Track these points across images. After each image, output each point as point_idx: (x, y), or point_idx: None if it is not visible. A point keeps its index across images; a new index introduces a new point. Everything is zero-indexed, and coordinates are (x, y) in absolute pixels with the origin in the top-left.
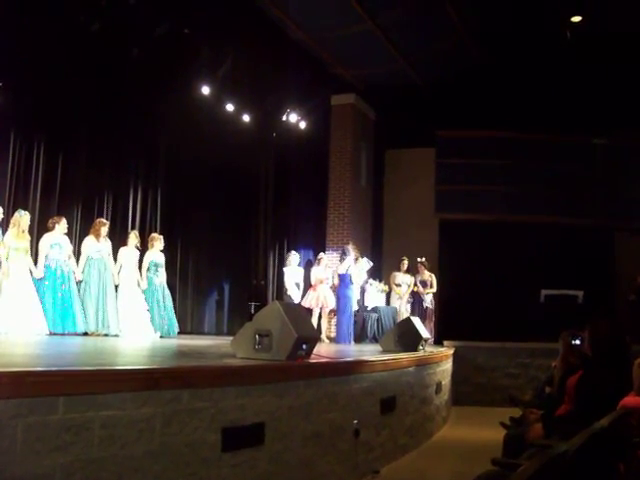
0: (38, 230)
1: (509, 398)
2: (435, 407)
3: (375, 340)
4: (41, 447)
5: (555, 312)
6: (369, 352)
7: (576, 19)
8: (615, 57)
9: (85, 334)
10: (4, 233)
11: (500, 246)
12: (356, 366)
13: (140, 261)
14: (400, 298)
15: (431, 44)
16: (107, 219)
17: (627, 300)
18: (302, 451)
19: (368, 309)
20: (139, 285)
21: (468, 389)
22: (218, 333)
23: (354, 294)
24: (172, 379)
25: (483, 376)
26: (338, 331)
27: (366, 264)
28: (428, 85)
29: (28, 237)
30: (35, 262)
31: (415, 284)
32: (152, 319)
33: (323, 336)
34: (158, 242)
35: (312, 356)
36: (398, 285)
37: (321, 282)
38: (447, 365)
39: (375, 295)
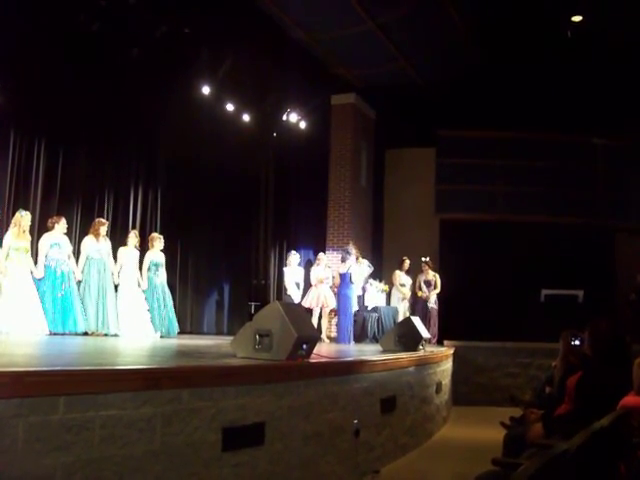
0: (38, 230)
1: (509, 398)
2: (435, 407)
3: (375, 340)
4: (42, 447)
5: (555, 312)
6: (369, 352)
7: (576, 19)
8: (615, 57)
9: (85, 334)
10: (4, 233)
11: (500, 246)
12: (356, 366)
13: (140, 261)
14: (404, 298)
15: (431, 44)
16: (107, 219)
17: (627, 300)
18: (302, 451)
19: (368, 309)
20: (139, 285)
21: (468, 389)
22: (218, 333)
23: (355, 294)
24: (172, 379)
25: (483, 376)
26: (338, 331)
27: (367, 268)
28: (428, 85)
29: (28, 237)
30: (35, 262)
31: (419, 287)
32: (152, 319)
33: (323, 336)
34: (158, 242)
35: (312, 356)
36: (402, 285)
37: (321, 282)
38: (447, 365)
39: (375, 295)
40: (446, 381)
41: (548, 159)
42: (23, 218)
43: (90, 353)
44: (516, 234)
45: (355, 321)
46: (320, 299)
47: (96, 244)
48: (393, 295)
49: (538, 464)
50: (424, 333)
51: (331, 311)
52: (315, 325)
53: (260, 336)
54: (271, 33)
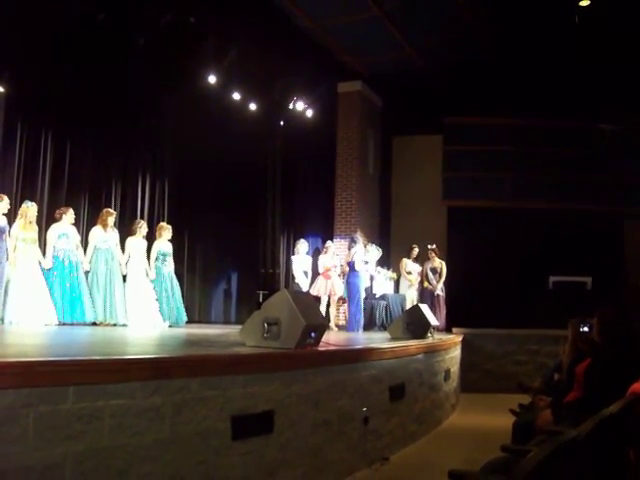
0: (46, 221)
1: (518, 385)
2: (444, 394)
3: (383, 328)
4: (52, 436)
5: (563, 299)
6: (378, 340)
7: (584, 3)
8: (623, 42)
9: (94, 324)
10: (12, 224)
11: (508, 233)
12: (365, 354)
13: (148, 251)
14: (412, 285)
15: (437, 31)
16: (115, 209)
17: (636, 286)
18: (311, 439)
19: (376, 297)
20: (147, 275)
21: (477, 376)
22: (226, 322)
23: (363, 282)
24: (181, 368)
25: (492, 363)
26: (347, 319)
27: (376, 252)
28: (435, 72)
29: (36, 228)
30: (43, 253)
31: (426, 276)
32: (160, 309)
33: (332, 324)
34: (166, 232)
35: (321, 344)
36: (409, 273)
37: (329, 270)
38: (456, 352)
39: (383, 283)
40: (454, 368)
41: (555, 145)
42: (29, 209)
43: (99, 343)
44: (524, 221)
45: (363, 309)
46: (328, 287)
47: (104, 234)
48: (402, 283)
49: (547, 451)
50: (432, 320)
51: (339, 299)
52: (323, 313)
53: (268, 325)
54: (277, 21)
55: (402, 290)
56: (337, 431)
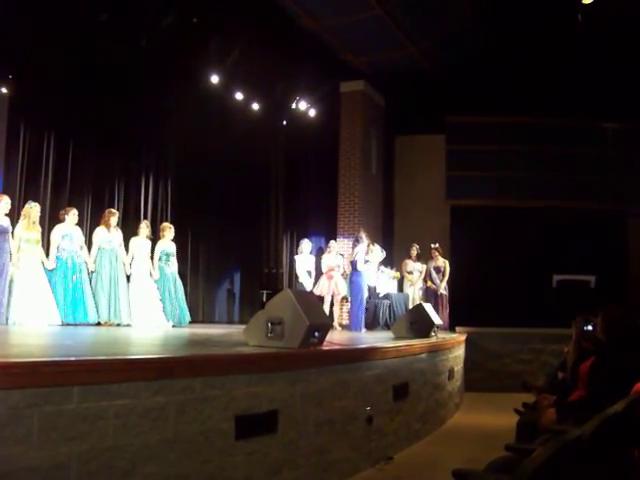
0: (49, 221)
1: (522, 384)
2: (448, 393)
3: (387, 327)
4: (57, 436)
5: (567, 297)
6: (381, 339)
7: (587, 1)
8: (626, 40)
9: (98, 324)
10: (15, 225)
11: (512, 231)
12: (368, 353)
13: (151, 251)
14: (412, 285)
15: (440, 30)
16: (118, 209)
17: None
18: (315, 438)
19: (380, 296)
20: (151, 275)
21: (481, 375)
22: (230, 322)
23: (365, 281)
24: (185, 368)
25: (496, 362)
26: (350, 318)
27: (379, 253)
28: (438, 71)
29: (39, 228)
30: (47, 253)
31: (429, 275)
32: (164, 309)
33: (335, 323)
34: (169, 231)
35: (324, 343)
36: (410, 273)
37: (332, 270)
38: (459, 351)
39: (387, 282)
40: (458, 367)
41: (559, 144)
42: (32, 209)
43: (103, 343)
44: (527, 219)
45: (367, 308)
46: (331, 287)
47: (107, 234)
48: (405, 282)
49: (551, 450)
50: (436, 319)
51: (342, 298)
52: (327, 313)
53: (272, 324)
54: (279, 21)
55: (406, 289)
56: (341, 431)
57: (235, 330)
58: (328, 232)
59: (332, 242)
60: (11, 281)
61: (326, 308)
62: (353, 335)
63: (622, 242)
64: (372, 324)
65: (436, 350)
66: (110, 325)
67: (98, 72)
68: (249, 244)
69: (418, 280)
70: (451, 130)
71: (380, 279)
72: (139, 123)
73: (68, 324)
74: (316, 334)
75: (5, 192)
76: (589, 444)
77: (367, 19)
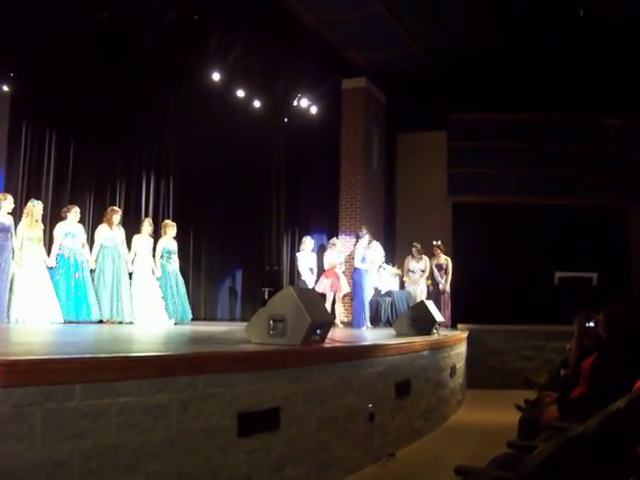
0: (51, 219)
1: (524, 381)
2: (450, 390)
3: (389, 324)
4: (59, 434)
5: (569, 294)
6: (383, 336)
7: None
8: (628, 36)
9: (100, 322)
10: (17, 223)
11: (514, 228)
12: (370, 350)
13: (153, 248)
14: (414, 283)
15: (442, 26)
16: (120, 207)
17: None
18: (318, 435)
19: (382, 293)
20: (153, 273)
21: (483, 372)
22: (231, 319)
23: (367, 278)
24: (187, 365)
25: (498, 359)
26: (353, 315)
27: (379, 254)
28: (439, 68)
29: (41, 226)
30: (49, 251)
31: (431, 272)
32: (166, 306)
33: (337, 321)
34: (171, 229)
35: (326, 341)
36: (412, 271)
37: (334, 267)
38: (461, 348)
39: (389, 279)
40: (460, 364)
41: (560, 141)
42: (35, 207)
43: (105, 341)
44: (529, 216)
45: (369, 305)
46: (334, 284)
47: (110, 232)
48: (407, 279)
49: (553, 447)
50: (438, 317)
51: (344, 296)
52: (329, 310)
53: (274, 322)
54: (281, 18)
55: (409, 287)
56: (343, 428)
57: (237, 328)
58: (330, 229)
59: (334, 239)
60: (13, 279)
61: (328, 305)
62: (355, 332)
63: (624, 239)
64: (374, 321)
65: (438, 347)
66: (112, 323)
67: (99, 70)
68: (251, 241)
69: (420, 279)
70: (453, 127)
71: (382, 276)
72: (140, 121)
73: (70, 322)
74: (318, 331)
75: (7, 190)
76: (591, 441)
77: (369, 16)
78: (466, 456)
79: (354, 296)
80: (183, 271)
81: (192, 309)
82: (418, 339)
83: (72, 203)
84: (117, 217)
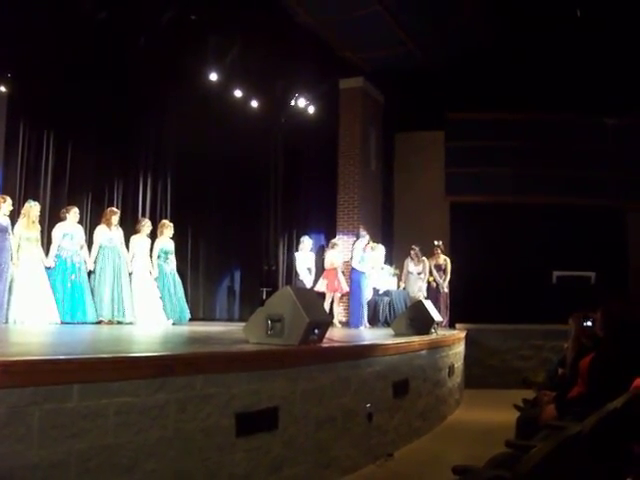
0: (49, 220)
1: (522, 380)
2: (448, 390)
3: (387, 324)
4: (57, 434)
5: (567, 294)
6: (381, 336)
7: None
8: (626, 35)
9: (98, 323)
10: (14, 224)
11: (511, 228)
12: (368, 350)
13: (150, 249)
14: (412, 284)
15: (439, 26)
16: (117, 208)
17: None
18: (316, 435)
19: (380, 293)
20: (150, 273)
21: (481, 372)
22: (230, 319)
23: (366, 279)
24: (185, 365)
25: (496, 358)
26: (350, 315)
27: (380, 255)
28: (437, 67)
29: (38, 227)
30: (46, 252)
31: (430, 272)
32: (164, 306)
33: (335, 320)
34: (168, 229)
35: (324, 341)
36: (410, 273)
37: (335, 267)
38: (459, 348)
39: (387, 279)
40: (458, 364)
41: (558, 139)
42: (32, 208)
43: (103, 341)
44: (527, 216)
45: (367, 305)
46: (334, 284)
47: (108, 233)
48: (406, 279)
49: (551, 446)
50: (436, 316)
51: (342, 296)
52: (328, 310)
53: (272, 321)
54: (278, 18)
55: (408, 287)
56: (341, 427)
57: (235, 328)
58: (327, 229)
59: (336, 239)
60: (12, 280)
61: (327, 305)
62: (353, 332)
63: (622, 238)
64: (372, 321)
65: (436, 347)
66: (112, 323)
67: (97, 70)
68: (249, 241)
69: (417, 280)
70: (450, 126)
71: (380, 276)
72: (138, 121)
73: (67, 323)
74: (316, 331)
75: (4, 191)
76: (589, 440)
77: (366, 15)
78: (464, 455)
79: (352, 296)
80: (181, 271)
81: (190, 309)
82: (416, 339)
83: (70, 204)
84: (116, 218)
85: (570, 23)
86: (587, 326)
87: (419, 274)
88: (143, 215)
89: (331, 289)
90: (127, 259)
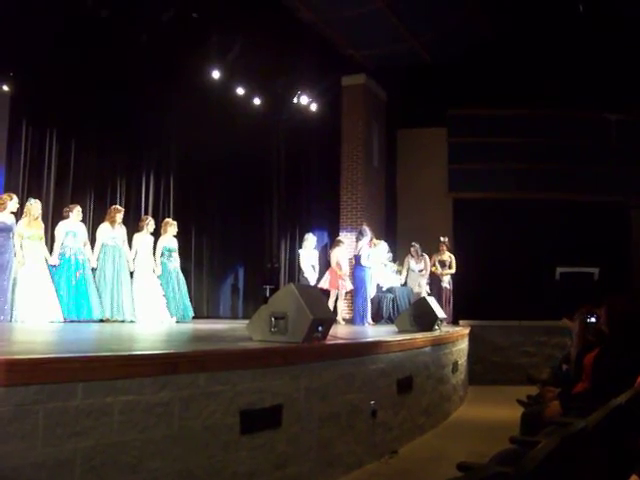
0: (53, 218)
1: (526, 377)
2: (452, 386)
3: (391, 321)
4: (62, 432)
5: (571, 290)
6: (385, 333)
7: None
8: (628, 31)
9: (101, 321)
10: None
11: (515, 224)
12: (372, 347)
13: (154, 247)
14: (414, 281)
15: (441, 23)
16: (121, 206)
17: None
18: (320, 432)
19: (383, 290)
20: (154, 271)
21: (484, 368)
22: (233, 317)
23: (369, 276)
24: (189, 363)
25: (499, 355)
26: (354, 312)
27: (384, 252)
28: (439, 64)
29: (41, 224)
30: (50, 249)
31: (433, 264)
32: (168, 304)
33: (339, 318)
34: (171, 227)
35: (328, 338)
36: (411, 270)
37: (340, 264)
38: (463, 344)
39: (390, 276)
40: (462, 361)
41: (561, 136)
42: (33, 206)
43: (107, 339)
44: (530, 212)
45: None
46: (338, 281)
47: (111, 231)
48: (409, 276)
49: (556, 442)
50: (439, 313)
51: (346, 293)
52: (333, 307)
53: (276, 319)
54: (280, 15)
55: (409, 283)
56: (345, 424)
57: (239, 325)
58: (331, 226)
59: (342, 237)
60: (15, 278)
61: (331, 302)
62: (357, 329)
63: (625, 234)
64: (376, 318)
65: (440, 343)
66: (113, 322)
67: (99, 69)
68: (252, 239)
69: (418, 278)
70: (453, 123)
71: (383, 273)
72: (140, 119)
73: (72, 321)
74: (320, 328)
75: (7, 189)
76: (594, 436)
77: (368, 12)
78: (468, 452)
79: (356, 292)
80: (185, 269)
81: (194, 307)
82: (420, 335)
83: (73, 202)
84: (120, 216)
85: (573, 19)
86: (591, 322)
87: (420, 271)
88: (146, 213)
89: (335, 286)
90: (129, 257)
